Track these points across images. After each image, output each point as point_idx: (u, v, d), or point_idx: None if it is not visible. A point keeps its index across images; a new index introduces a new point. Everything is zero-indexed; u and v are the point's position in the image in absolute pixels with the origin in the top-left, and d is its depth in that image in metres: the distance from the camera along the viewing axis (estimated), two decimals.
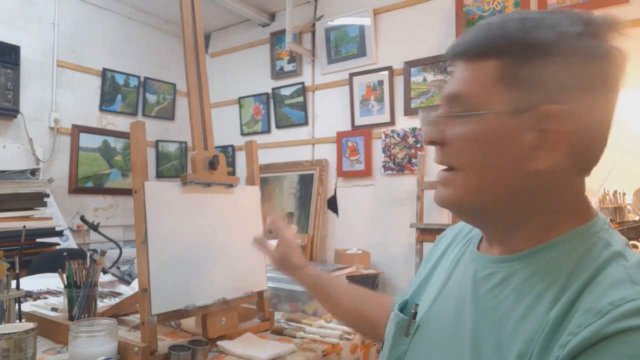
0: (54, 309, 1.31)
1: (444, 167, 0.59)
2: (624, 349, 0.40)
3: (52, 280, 1.67)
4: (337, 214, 3.42)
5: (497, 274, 0.56)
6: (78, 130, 3.35)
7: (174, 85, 4.04)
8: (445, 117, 0.57)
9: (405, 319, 0.66)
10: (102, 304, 1.31)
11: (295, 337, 1.15)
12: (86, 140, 3.41)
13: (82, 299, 1.11)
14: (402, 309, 0.70)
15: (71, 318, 1.11)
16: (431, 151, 2.96)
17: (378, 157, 3.23)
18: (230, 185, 1.16)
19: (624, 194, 2.23)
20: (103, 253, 1.18)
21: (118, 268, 1.73)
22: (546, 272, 0.51)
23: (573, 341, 0.43)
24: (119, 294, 1.52)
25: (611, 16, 0.52)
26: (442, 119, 0.57)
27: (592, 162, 0.54)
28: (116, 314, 1.19)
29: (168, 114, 4.04)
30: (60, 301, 1.33)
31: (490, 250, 0.61)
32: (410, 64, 3.08)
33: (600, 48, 0.50)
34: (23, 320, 1.11)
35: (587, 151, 0.53)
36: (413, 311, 0.66)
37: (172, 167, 4.06)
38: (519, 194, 0.54)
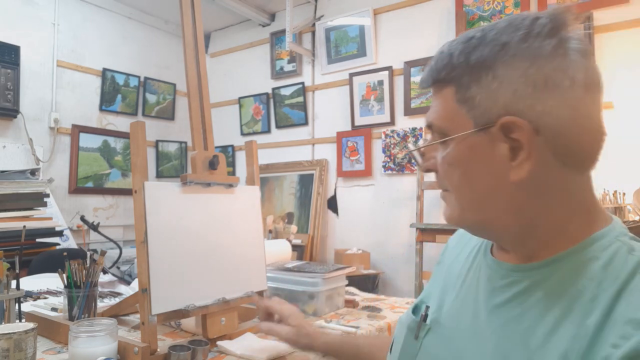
0: (54, 309, 1.31)
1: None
2: None
3: (52, 280, 1.67)
4: (337, 214, 3.42)
5: (518, 283, 0.55)
6: (78, 130, 3.35)
7: (174, 85, 4.04)
8: (425, 147, 0.62)
9: (415, 320, 0.66)
10: (102, 304, 1.30)
11: None
12: (86, 140, 3.41)
13: (82, 299, 1.11)
14: (414, 310, 0.70)
15: (71, 318, 1.11)
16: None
17: (378, 157, 3.23)
18: (230, 185, 1.16)
19: (624, 194, 2.23)
20: (103, 253, 1.18)
21: (118, 268, 1.73)
22: (572, 281, 0.50)
23: (617, 353, 0.42)
24: (119, 294, 1.52)
25: (562, 8, 0.52)
26: (429, 147, 0.61)
27: (582, 155, 0.53)
28: (116, 314, 1.19)
29: (168, 114, 4.04)
30: (60, 301, 1.33)
31: (506, 256, 0.60)
32: (410, 64, 3.08)
33: (543, 48, 0.50)
34: (23, 320, 1.11)
35: (571, 146, 0.52)
36: (423, 313, 0.65)
37: (172, 167, 4.06)
38: (513, 206, 0.54)
